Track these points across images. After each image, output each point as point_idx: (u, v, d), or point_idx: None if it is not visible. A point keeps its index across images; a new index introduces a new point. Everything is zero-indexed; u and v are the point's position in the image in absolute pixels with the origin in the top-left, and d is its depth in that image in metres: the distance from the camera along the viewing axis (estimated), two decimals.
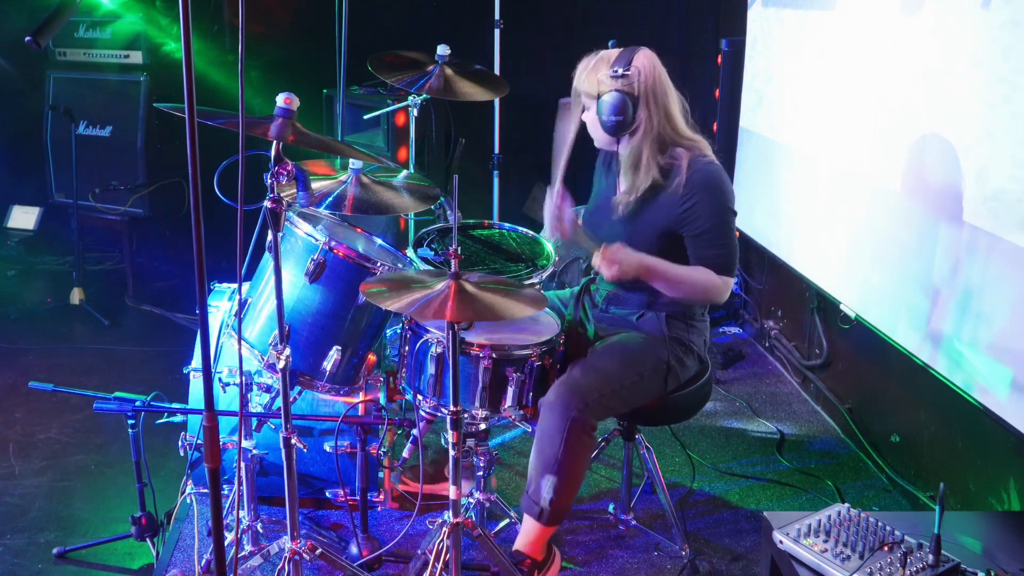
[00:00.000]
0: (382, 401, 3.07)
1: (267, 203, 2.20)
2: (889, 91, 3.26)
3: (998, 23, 2.69)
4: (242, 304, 2.56)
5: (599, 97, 2.72)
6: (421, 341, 2.69)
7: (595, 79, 2.73)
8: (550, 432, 2.64)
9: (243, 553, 2.74)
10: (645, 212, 2.77)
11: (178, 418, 3.04)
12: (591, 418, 2.66)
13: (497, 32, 4.59)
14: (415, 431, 2.87)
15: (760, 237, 4.35)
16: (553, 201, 2.95)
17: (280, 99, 2.27)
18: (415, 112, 3.96)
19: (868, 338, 3.52)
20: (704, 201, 2.70)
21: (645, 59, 2.72)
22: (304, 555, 2.47)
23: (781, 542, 2.16)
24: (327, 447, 3.06)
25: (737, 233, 2.82)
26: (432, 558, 2.52)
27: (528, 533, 2.77)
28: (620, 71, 2.69)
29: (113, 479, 3.44)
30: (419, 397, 2.74)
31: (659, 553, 3.08)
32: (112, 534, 3.05)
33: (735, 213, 2.79)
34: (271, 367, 2.64)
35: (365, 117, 4.61)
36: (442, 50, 3.48)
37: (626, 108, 2.70)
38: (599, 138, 2.85)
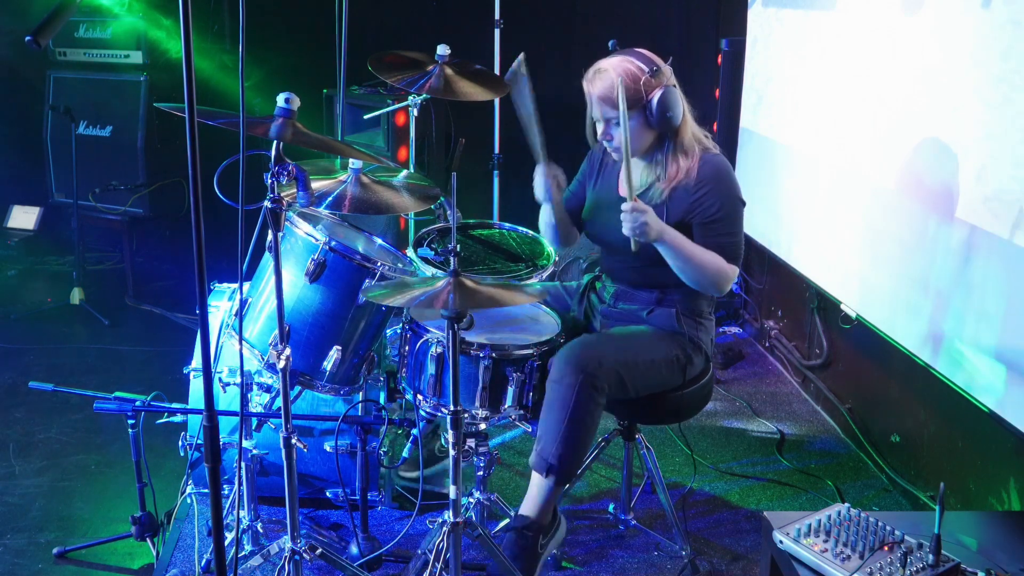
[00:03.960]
0: (382, 401, 3.07)
1: (267, 203, 2.20)
2: (889, 91, 3.26)
3: (998, 23, 2.69)
4: (242, 304, 2.56)
5: (648, 102, 2.68)
6: (421, 341, 2.69)
7: (638, 87, 2.66)
8: (562, 388, 2.61)
9: (243, 553, 2.74)
10: (659, 205, 2.77)
11: (178, 418, 3.03)
12: (603, 380, 2.63)
13: (497, 32, 4.59)
14: (415, 431, 2.87)
15: (760, 237, 4.35)
16: (547, 175, 2.91)
17: (280, 99, 2.27)
18: (415, 112, 3.96)
19: (868, 338, 3.52)
20: (716, 190, 2.72)
21: (652, 55, 2.73)
22: (304, 555, 2.47)
23: (781, 542, 2.16)
24: (327, 447, 3.06)
25: None
26: (432, 558, 2.52)
27: (535, 494, 2.72)
28: (654, 68, 2.68)
29: (113, 479, 3.45)
30: (419, 397, 2.74)
31: (659, 553, 3.08)
32: (112, 534, 3.05)
33: (744, 203, 2.81)
34: (271, 367, 2.65)
35: (365, 117, 4.61)
36: (442, 50, 3.47)
37: (678, 100, 2.70)
38: (639, 144, 2.75)
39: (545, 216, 2.99)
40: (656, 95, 2.67)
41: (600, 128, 2.78)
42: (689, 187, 2.73)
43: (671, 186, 2.75)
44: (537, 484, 2.71)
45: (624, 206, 2.64)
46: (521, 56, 2.86)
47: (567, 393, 2.60)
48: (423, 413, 2.80)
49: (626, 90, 2.64)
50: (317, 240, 2.65)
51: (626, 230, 2.63)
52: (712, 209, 2.72)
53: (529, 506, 2.73)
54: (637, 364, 2.72)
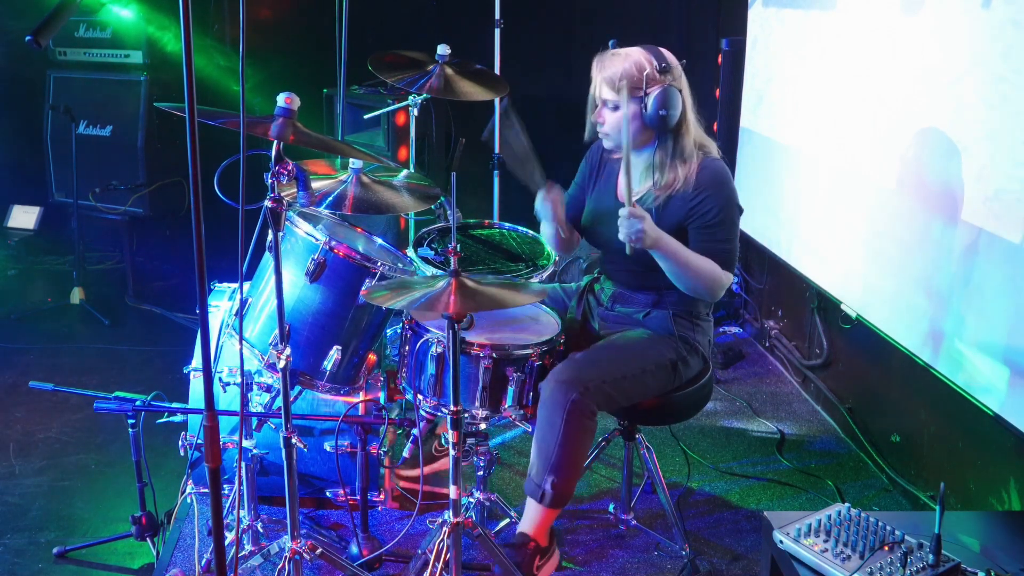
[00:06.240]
0: (382, 401, 3.07)
1: (268, 203, 2.20)
2: (889, 91, 3.26)
3: (998, 23, 2.69)
4: (242, 304, 2.56)
5: (646, 93, 2.67)
6: (421, 341, 2.69)
7: (641, 76, 2.66)
8: (551, 414, 2.63)
9: (243, 553, 2.74)
10: (655, 209, 2.76)
11: (178, 418, 3.04)
12: (591, 402, 2.64)
13: (497, 32, 4.58)
14: (415, 431, 2.87)
15: (760, 237, 4.35)
16: (550, 199, 2.89)
17: (280, 99, 2.27)
18: (415, 112, 3.96)
19: (868, 338, 3.52)
20: (715, 196, 2.71)
21: (670, 55, 2.73)
22: (304, 555, 2.47)
23: (781, 542, 2.16)
24: (327, 447, 3.06)
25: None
26: (432, 558, 2.52)
27: (531, 516, 2.76)
28: (663, 65, 2.67)
29: (113, 479, 3.44)
30: (419, 397, 2.74)
31: (659, 553, 3.08)
32: (112, 534, 3.05)
33: (741, 210, 2.81)
34: (271, 367, 2.65)
35: (365, 117, 4.61)
36: (442, 50, 3.48)
37: (677, 102, 2.69)
38: (628, 138, 2.68)
39: (547, 230, 2.99)
40: (656, 90, 2.67)
41: (597, 111, 2.77)
42: (687, 192, 2.73)
43: (667, 193, 2.74)
44: (533, 508, 2.75)
45: (621, 212, 2.63)
46: (506, 101, 2.86)
47: (556, 419, 2.62)
48: (423, 413, 2.80)
49: (628, 77, 2.65)
50: (317, 240, 2.65)
51: (622, 235, 2.63)
52: (710, 215, 2.71)
53: (527, 525, 2.77)
54: (626, 377, 2.72)
